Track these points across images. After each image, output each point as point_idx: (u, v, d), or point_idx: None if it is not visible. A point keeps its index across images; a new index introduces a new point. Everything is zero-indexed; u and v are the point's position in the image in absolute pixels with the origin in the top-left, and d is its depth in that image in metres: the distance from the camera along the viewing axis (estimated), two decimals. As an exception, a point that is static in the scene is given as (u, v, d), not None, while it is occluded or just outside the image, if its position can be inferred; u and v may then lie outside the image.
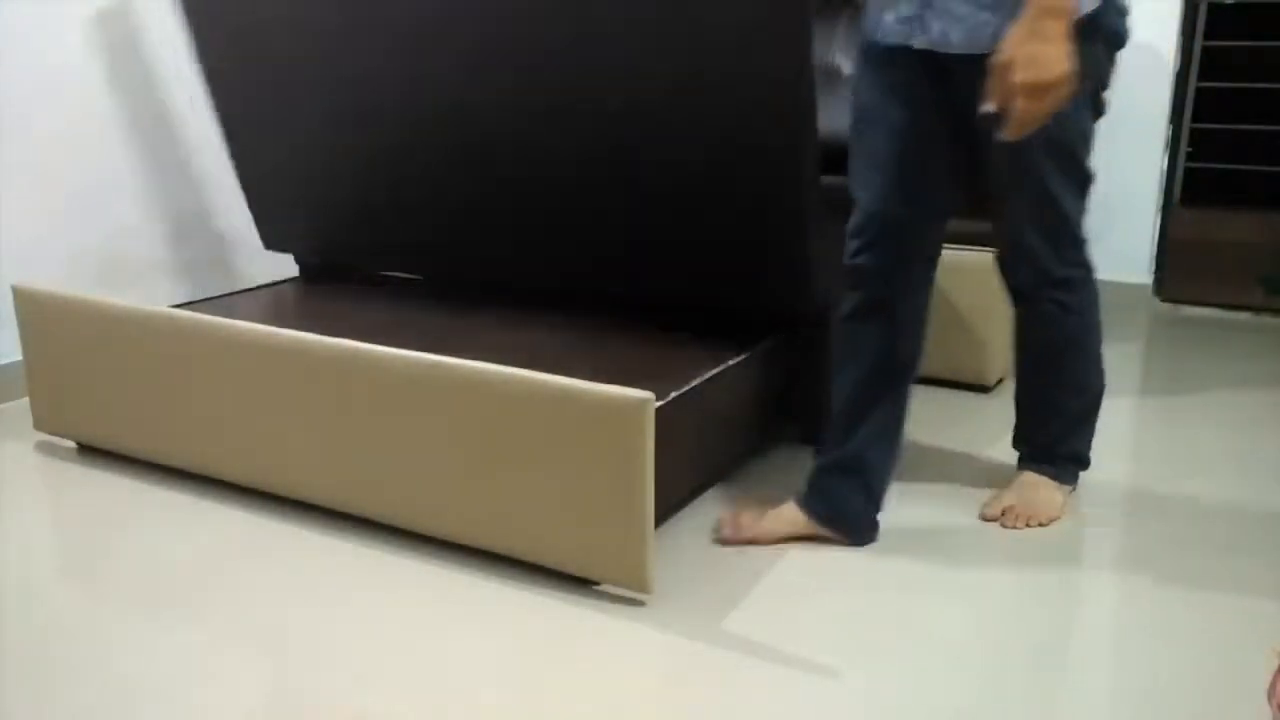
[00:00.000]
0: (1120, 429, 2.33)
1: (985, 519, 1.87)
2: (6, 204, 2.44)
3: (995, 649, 1.48)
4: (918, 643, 1.50)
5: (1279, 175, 3.23)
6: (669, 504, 1.83)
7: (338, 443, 1.79)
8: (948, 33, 1.53)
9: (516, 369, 1.59)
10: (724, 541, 1.77)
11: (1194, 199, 3.31)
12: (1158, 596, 1.62)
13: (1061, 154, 1.63)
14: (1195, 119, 3.27)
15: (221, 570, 1.71)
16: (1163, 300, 3.37)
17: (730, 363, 1.92)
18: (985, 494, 1.96)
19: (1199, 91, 3.24)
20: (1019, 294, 1.81)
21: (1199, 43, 3.21)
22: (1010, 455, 1.96)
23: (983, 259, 2.45)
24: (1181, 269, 3.33)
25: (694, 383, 1.80)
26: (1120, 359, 2.86)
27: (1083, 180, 1.69)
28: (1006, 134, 1.41)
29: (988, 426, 2.31)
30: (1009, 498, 1.88)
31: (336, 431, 1.79)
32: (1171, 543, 1.79)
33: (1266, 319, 3.23)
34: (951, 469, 2.10)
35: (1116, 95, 3.19)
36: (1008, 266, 1.81)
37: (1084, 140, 1.66)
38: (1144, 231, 3.30)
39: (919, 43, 1.57)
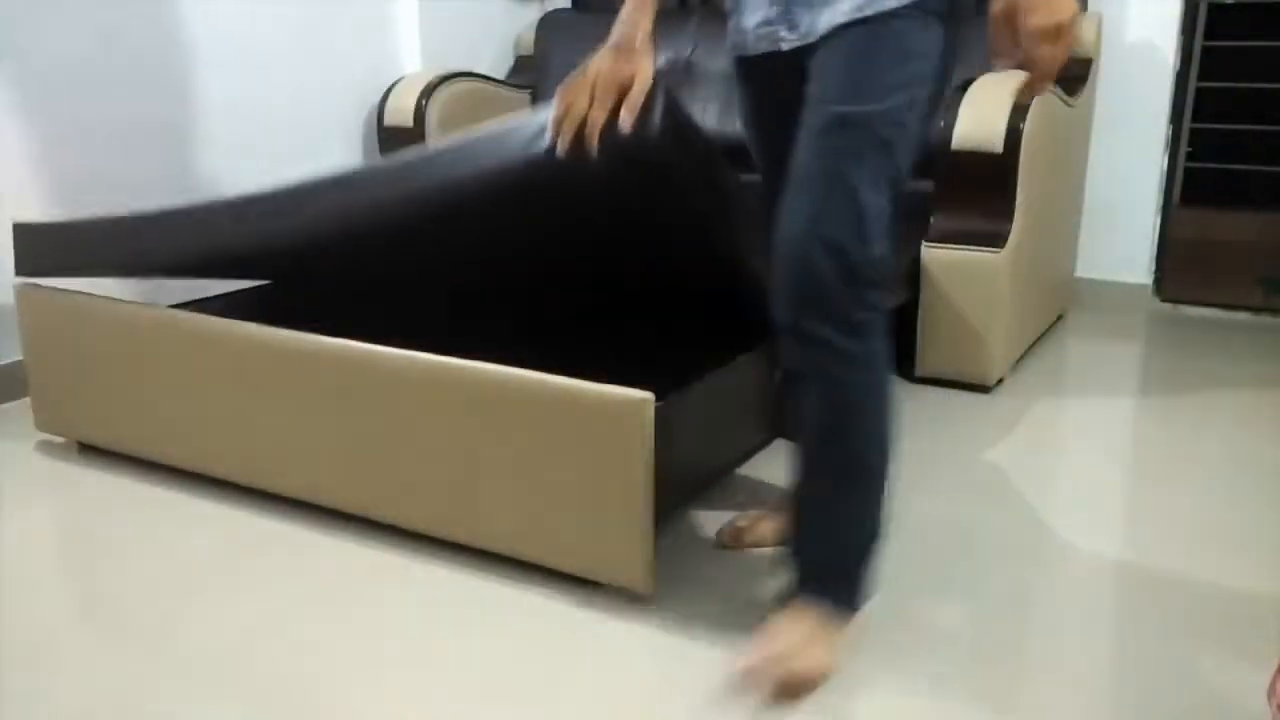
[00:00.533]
0: (1121, 429, 2.33)
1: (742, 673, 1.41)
2: (7, 204, 2.44)
3: (995, 648, 1.48)
4: (917, 641, 1.50)
5: (1279, 175, 3.23)
6: (669, 504, 1.83)
7: (337, 443, 1.79)
8: (815, 22, 1.37)
9: (516, 369, 1.59)
10: (725, 547, 1.77)
11: (1194, 199, 3.31)
12: (1156, 596, 1.62)
13: (873, 139, 1.31)
14: (1195, 119, 3.27)
15: (221, 570, 1.71)
16: (1163, 300, 3.37)
17: (730, 363, 1.92)
18: (985, 494, 1.96)
19: (1199, 91, 3.24)
20: (789, 333, 1.35)
21: (1199, 43, 3.21)
22: (1009, 458, 1.96)
23: (982, 259, 2.46)
24: (1181, 269, 3.33)
25: (694, 383, 1.80)
26: (1120, 359, 2.86)
27: (892, 180, 1.33)
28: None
29: (988, 426, 2.32)
30: (760, 649, 1.40)
31: (336, 431, 1.79)
32: (1171, 542, 1.79)
33: (1266, 319, 3.23)
34: (951, 469, 2.09)
35: (1116, 95, 3.21)
36: (783, 290, 1.34)
37: (903, 133, 1.33)
38: (1144, 231, 3.30)
39: (789, 43, 1.41)
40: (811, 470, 1.40)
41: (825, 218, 1.29)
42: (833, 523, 1.41)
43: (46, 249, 2.09)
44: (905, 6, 1.32)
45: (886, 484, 1.41)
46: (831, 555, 1.42)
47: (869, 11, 1.33)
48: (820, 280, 1.30)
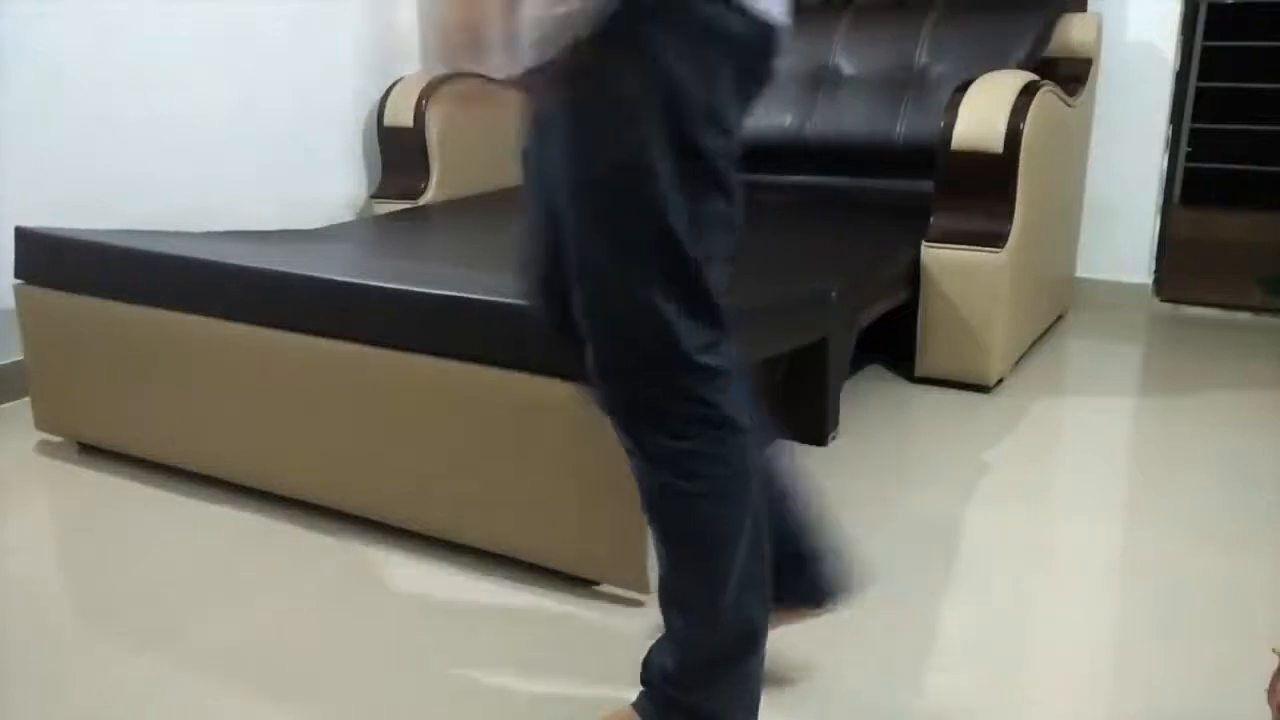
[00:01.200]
0: (1120, 429, 2.33)
1: None
2: (10, 203, 2.44)
3: (994, 649, 1.48)
4: (917, 642, 1.50)
5: (1279, 175, 3.24)
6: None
7: (338, 442, 1.79)
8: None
9: (514, 370, 1.59)
10: None
11: (1194, 199, 3.32)
12: (1157, 596, 1.62)
13: (615, 213, 1.04)
14: (1195, 119, 3.27)
15: (222, 570, 1.71)
16: (1163, 300, 3.37)
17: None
18: (985, 494, 1.96)
19: (1199, 91, 3.25)
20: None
21: (1199, 43, 3.22)
22: (1009, 458, 1.96)
23: (982, 259, 2.46)
24: (1181, 269, 3.34)
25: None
26: (1120, 359, 2.86)
27: (671, 263, 1.04)
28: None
29: (988, 426, 2.32)
30: None
31: (337, 431, 1.79)
32: (1170, 542, 1.79)
33: (1266, 319, 3.23)
34: (951, 469, 2.10)
35: (1116, 95, 3.22)
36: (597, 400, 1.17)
37: (658, 195, 1.02)
38: (1144, 231, 3.30)
39: None
40: (664, 568, 1.18)
41: (617, 353, 1.13)
42: (681, 640, 1.19)
43: (45, 258, 2.09)
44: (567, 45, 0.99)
45: (744, 610, 1.15)
46: (676, 678, 1.19)
47: (535, 57, 1.02)
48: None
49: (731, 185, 1.09)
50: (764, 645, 1.20)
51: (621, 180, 1.03)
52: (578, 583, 1.64)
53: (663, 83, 1.01)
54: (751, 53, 1.08)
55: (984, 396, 2.52)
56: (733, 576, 1.14)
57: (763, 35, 1.07)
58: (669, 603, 1.19)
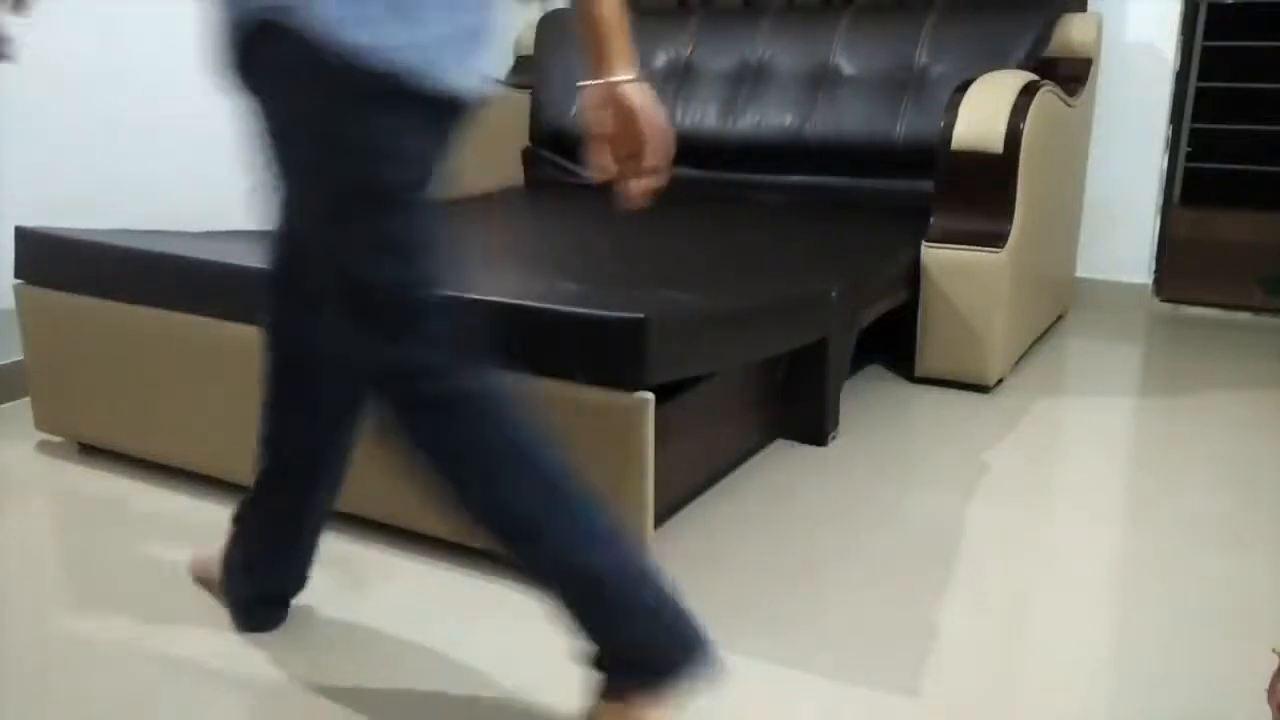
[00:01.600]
0: (1121, 429, 2.33)
1: None
2: (10, 203, 2.44)
3: (992, 649, 1.48)
4: (917, 641, 1.50)
5: (1279, 175, 3.24)
6: (669, 504, 1.83)
7: (338, 443, 1.79)
8: None
9: (514, 370, 1.59)
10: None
11: (1194, 199, 3.32)
12: (1157, 596, 1.62)
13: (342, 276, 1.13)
14: (1195, 119, 3.27)
15: (222, 570, 1.71)
16: (1162, 300, 3.37)
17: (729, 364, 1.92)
18: (985, 494, 1.96)
19: (1199, 91, 3.25)
20: None
21: (1199, 43, 3.22)
22: (1009, 458, 1.95)
23: (982, 259, 2.46)
24: (1181, 269, 3.34)
25: (694, 384, 1.80)
26: (1120, 359, 2.86)
27: (345, 288, 1.12)
28: None
29: (988, 426, 2.32)
30: None
31: (337, 431, 1.79)
32: (1170, 543, 1.79)
33: (1266, 319, 3.23)
34: (951, 469, 2.10)
35: (1116, 95, 3.22)
36: None
37: (339, 233, 1.10)
38: (1144, 231, 3.30)
39: None
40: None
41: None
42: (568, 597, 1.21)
43: (45, 258, 2.09)
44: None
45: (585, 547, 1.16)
46: (601, 639, 1.21)
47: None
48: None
49: (423, 208, 1.12)
50: (639, 574, 1.17)
51: (310, 212, 1.13)
52: (578, 583, 1.64)
53: (312, 129, 1.07)
54: (390, 92, 1.05)
55: (984, 396, 2.52)
56: (541, 536, 1.15)
57: (397, 76, 1.04)
58: (539, 567, 1.19)
